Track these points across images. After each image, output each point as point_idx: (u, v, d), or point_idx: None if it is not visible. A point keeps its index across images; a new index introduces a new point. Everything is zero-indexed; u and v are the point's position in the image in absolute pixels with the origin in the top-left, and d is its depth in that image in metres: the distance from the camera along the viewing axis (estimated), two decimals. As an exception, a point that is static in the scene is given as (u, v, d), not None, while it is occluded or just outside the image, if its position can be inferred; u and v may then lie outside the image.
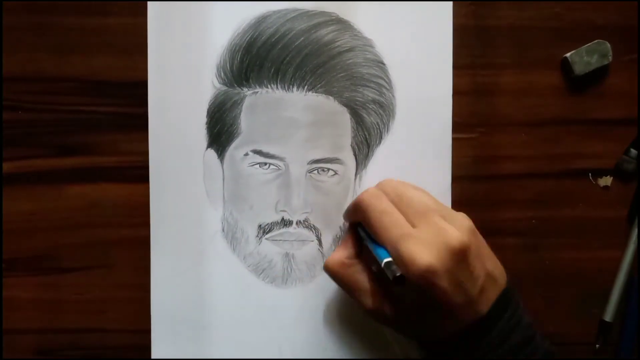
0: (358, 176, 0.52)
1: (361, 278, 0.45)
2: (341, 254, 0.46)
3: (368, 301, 0.45)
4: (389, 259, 0.41)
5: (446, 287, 0.40)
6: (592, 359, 0.53)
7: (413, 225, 0.42)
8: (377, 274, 0.45)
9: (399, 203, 0.43)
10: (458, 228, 0.42)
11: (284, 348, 0.52)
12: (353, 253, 0.46)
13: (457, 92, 0.51)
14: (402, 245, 0.41)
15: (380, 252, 0.43)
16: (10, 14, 0.51)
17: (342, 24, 0.51)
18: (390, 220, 0.42)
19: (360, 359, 0.52)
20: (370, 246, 0.44)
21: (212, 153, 0.51)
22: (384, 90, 0.51)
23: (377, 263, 0.43)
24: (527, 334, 0.43)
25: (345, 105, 0.51)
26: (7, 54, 0.51)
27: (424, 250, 0.40)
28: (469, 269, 0.41)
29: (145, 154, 0.51)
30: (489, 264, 0.43)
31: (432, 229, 0.41)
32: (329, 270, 0.46)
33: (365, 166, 0.52)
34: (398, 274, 0.40)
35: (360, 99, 0.51)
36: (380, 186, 0.45)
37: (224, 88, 0.51)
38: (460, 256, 0.41)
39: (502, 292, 0.43)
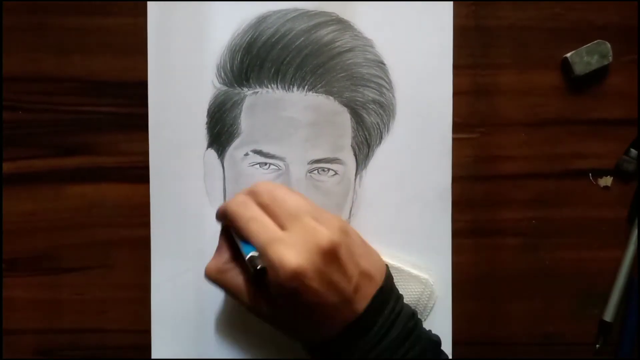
0: (358, 176, 0.52)
1: (238, 280, 0.44)
2: (217, 260, 0.45)
3: (245, 299, 0.44)
4: (253, 253, 0.41)
5: (317, 288, 0.40)
6: (592, 359, 0.53)
7: (284, 228, 0.42)
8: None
9: (271, 206, 0.43)
10: (329, 228, 0.42)
11: (284, 347, 0.52)
12: (229, 257, 0.45)
13: (458, 92, 0.51)
14: (269, 249, 0.40)
15: (245, 249, 0.42)
16: (11, 14, 0.51)
17: (342, 24, 0.51)
18: (257, 226, 0.42)
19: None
20: (240, 246, 0.44)
21: (212, 153, 0.51)
22: (384, 90, 0.51)
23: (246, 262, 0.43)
24: (408, 325, 0.43)
25: (346, 105, 0.51)
26: (8, 54, 0.51)
27: (292, 252, 0.40)
28: (341, 268, 0.41)
29: (145, 154, 0.51)
30: (363, 262, 0.43)
31: (302, 230, 0.41)
32: (207, 278, 0.46)
33: (365, 166, 0.52)
34: (259, 267, 0.40)
35: (361, 99, 0.51)
36: (253, 187, 0.44)
37: (224, 88, 0.51)
38: (330, 256, 0.41)
39: (380, 289, 0.43)
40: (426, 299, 0.51)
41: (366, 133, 0.51)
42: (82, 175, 0.51)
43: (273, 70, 0.50)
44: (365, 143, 0.51)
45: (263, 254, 0.41)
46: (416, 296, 0.50)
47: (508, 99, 0.52)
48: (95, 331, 0.52)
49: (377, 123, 0.51)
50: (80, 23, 0.51)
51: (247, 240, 0.42)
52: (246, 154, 0.51)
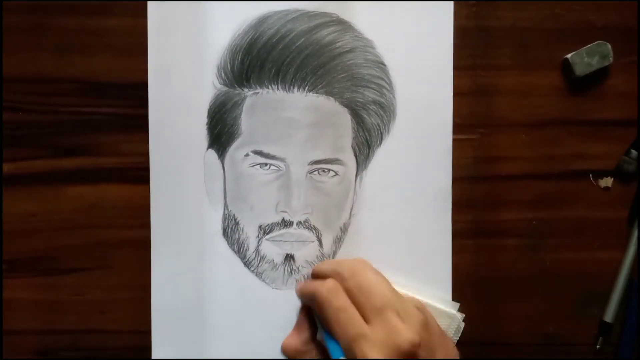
0: (359, 177, 0.52)
1: None
2: (296, 340, 0.48)
3: None
4: None
5: None
6: (586, 358, 0.53)
7: (367, 320, 0.44)
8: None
9: (356, 293, 0.45)
10: (411, 325, 0.43)
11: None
12: (308, 336, 0.48)
13: (458, 93, 0.51)
14: (356, 347, 0.42)
15: (332, 349, 0.45)
16: (11, 14, 0.51)
17: (343, 25, 0.51)
18: (345, 318, 0.44)
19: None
20: (325, 340, 0.46)
21: (212, 154, 0.51)
22: (385, 91, 0.51)
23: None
24: None
25: (346, 106, 0.51)
26: (8, 55, 0.51)
27: (375, 351, 0.42)
28: None
29: (145, 154, 0.51)
30: (440, 354, 0.45)
31: (386, 327, 0.43)
32: (285, 354, 0.48)
33: (365, 167, 0.52)
34: None
35: (361, 100, 0.51)
36: (339, 268, 0.46)
37: (225, 89, 0.51)
38: (409, 355, 0.42)
39: None
40: (453, 332, 0.51)
41: (366, 134, 0.51)
42: (82, 176, 0.51)
43: (273, 70, 0.50)
44: (365, 144, 0.51)
45: (348, 349, 0.43)
46: (445, 329, 0.50)
47: (508, 100, 0.52)
48: (95, 332, 0.52)
49: (378, 124, 0.51)
50: (81, 24, 0.51)
51: (333, 330, 0.44)
52: (246, 155, 0.51)
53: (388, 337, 0.42)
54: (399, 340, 0.42)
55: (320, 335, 0.48)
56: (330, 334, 0.45)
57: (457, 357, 0.47)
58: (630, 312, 0.52)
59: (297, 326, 0.49)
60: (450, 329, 0.51)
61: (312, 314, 0.49)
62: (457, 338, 0.51)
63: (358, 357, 0.42)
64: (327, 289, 0.45)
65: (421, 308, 0.47)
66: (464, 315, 0.51)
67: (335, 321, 0.44)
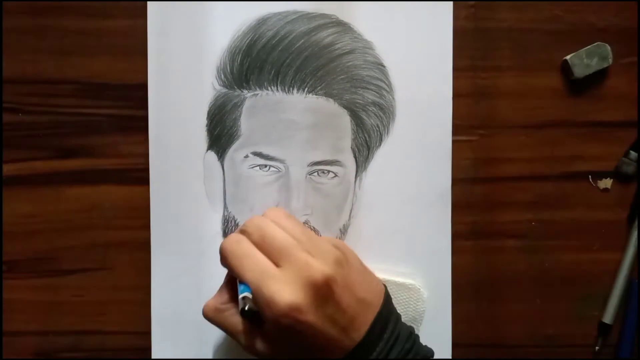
0: (358, 178, 0.52)
1: (236, 320, 0.45)
2: (216, 300, 0.46)
3: (242, 340, 0.44)
4: (246, 294, 0.42)
5: (313, 322, 0.40)
6: (586, 359, 0.53)
7: (277, 265, 0.42)
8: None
9: (262, 243, 0.43)
10: (324, 260, 0.42)
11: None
12: (228, 297, 0.46)
13: (457, 95, 0.51)
14: (263, 287, 0.41)
15: (241, 289, 0.43)
16: (11, 15, 0.51)
17: (342, 26, 0.51)
18: (250, 263, 0.42)
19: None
20: (238, 287, 0.44)
21: (212, 155, 0.51)
22: (384, 92, 0.51)
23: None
24: (405, 347, 0.43)
25: (345, 107, 0.51)
26: (8, 56, 0.51)
27: (285, 288, 0.40)
28: (336, 301, 0.41)
29: (145, 156, 0.51)
30: (360, 290, 0.43)
31: (295, 266, 0.41)
32: (205, 316, 0.46)
33: (365, 168, 0.52)
34: (246, 308, 0.41)
35: (360, 101, 0.51)
36: (244, 227, 0.45)
37: (224, 90, 0.51)
38: (324, 290, 0.41)
39: (378, 314, 0.43)
40: (415, 303, 0.51)
41: (366, 135, 0.51)
42: (82, 177, 0.51)
43: (273, 72, 0.50)
44: (365, 145, 0.51)
45: (257, 292, 0.41)
46: (405, 303, 0.50)
47: (508, 101, 0.52)
48: (95, 333, 0.52)
49: (377, 125, 0.51)
50: (80, 25, 0.51)
51: (240, 279, 0.43)
52: (246, 156, 0.51)
53: (298, 274, 0.41)
54: (310, 274, 0.41)
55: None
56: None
57: (382, 295, 0.45)
58: (630, 314, 0.52)
59: (220, 288, 0.47)
60: (412, 301, 0.51)
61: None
62: (423, 308, 0.51)
63: (267, 298, 0.40)
64: (229, 240, 0.44)
65: (340, 246, 0.45)
66: (422, 284, 0.51)
67: (240, 270, 0.42)
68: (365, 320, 0.43)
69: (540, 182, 0.52)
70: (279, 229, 0.44)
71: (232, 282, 0.46)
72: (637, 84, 0.52)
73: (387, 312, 0.44)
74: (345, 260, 0.43)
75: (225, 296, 0.46)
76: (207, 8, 0.51)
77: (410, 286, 0.51)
